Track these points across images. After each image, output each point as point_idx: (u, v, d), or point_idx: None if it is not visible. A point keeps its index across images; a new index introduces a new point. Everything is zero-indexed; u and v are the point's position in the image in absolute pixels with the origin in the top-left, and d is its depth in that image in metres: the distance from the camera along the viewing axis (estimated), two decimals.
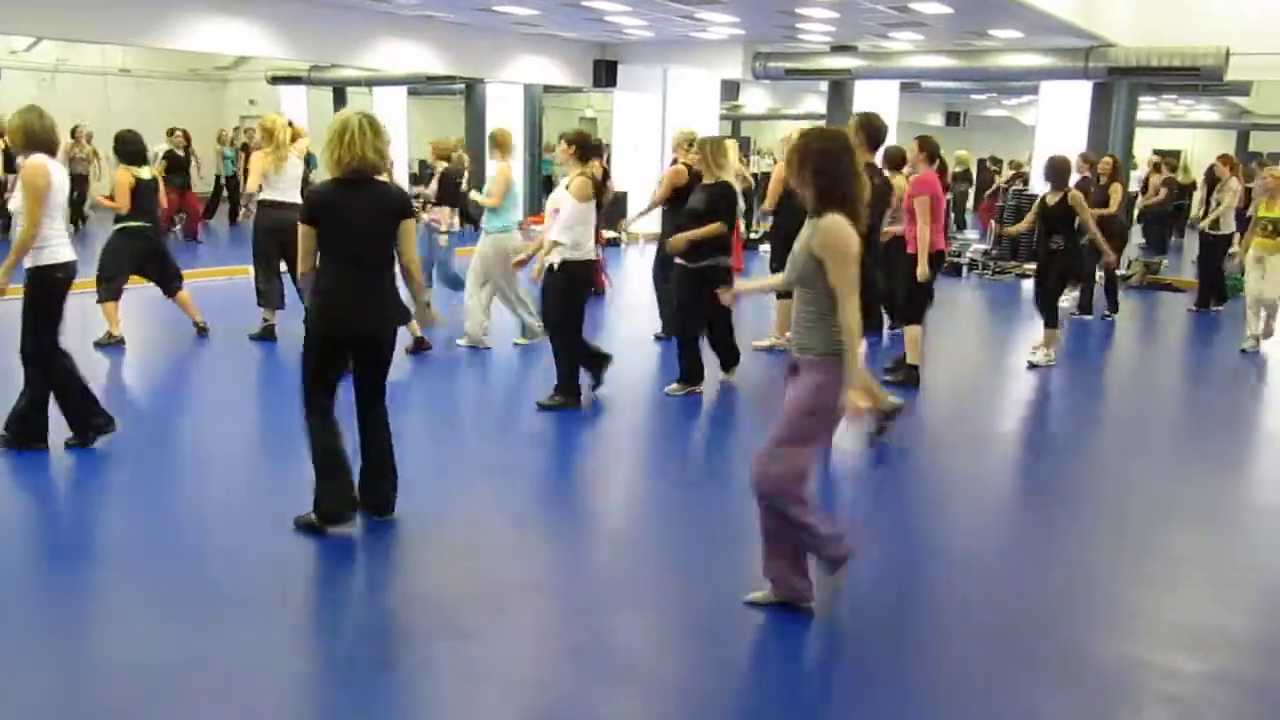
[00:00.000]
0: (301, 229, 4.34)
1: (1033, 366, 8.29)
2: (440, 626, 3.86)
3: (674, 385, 7.11)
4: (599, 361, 6.87)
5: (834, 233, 3.58)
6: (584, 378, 6.75)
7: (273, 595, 4.04)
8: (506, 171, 8.09)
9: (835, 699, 3.56)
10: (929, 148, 7.64)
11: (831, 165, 3.63)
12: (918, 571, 4.64)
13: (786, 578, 3.90)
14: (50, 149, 5.32)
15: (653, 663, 3.70)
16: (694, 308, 6.93)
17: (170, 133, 15.18)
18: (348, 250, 4.36)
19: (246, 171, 17.05)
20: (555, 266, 6.46)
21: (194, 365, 8.04)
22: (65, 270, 5.31)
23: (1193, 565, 4.83)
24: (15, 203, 5.28)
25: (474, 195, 8.72)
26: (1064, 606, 4.25)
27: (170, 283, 8.28)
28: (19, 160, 5.45)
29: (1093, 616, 4.18)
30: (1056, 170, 8.18)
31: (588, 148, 6.66)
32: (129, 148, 7.90)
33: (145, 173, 7.93)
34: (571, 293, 6.58)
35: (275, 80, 20.37)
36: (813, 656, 3.77)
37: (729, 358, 7.36)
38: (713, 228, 6.66)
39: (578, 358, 6.68)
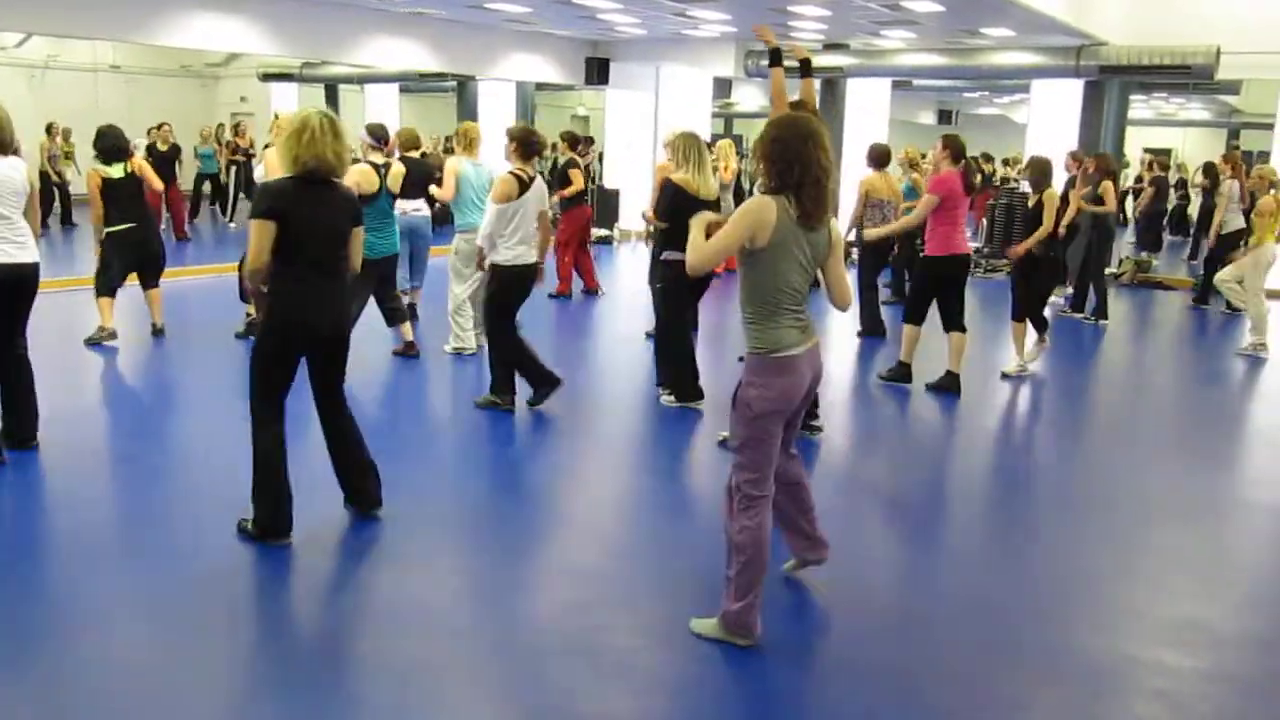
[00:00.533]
0: (259, 224, 4.13)
1: (1005, 376, 8.04)
2: (430, 625, 3.86)
3: (667, 396, 7.01)
4: (541, 379, 6.58)
5: (741, 208, 3.55)
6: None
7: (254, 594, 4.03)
8: (454, 165, 7.98)
9: (826, 693, 3.57)
10: (953, 147, 7.34)
11: (782, 152, 3.52)
12: (907, 569, 4.66)
13: (796, 544, 4.13)
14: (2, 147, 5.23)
15: (645, 659, 3.70)
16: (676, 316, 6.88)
17: (157, 128, 15.12)
18: (312, 252, 4.24)
19: (233, 165, 17.06)
20: (488, 268, 6.39)
21: (177, 363, 8.00)
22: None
23: (1183, 561, 4.85)
24: None
25: (432, 189, 8.70)
26: (1054, 603, 4.26)
27: (151, 277, 8.20)
28: None
29: (1083, 613, 4.19)
30: (1038, 170, 7.95)
31: (530, 145, 6.39)
32: (105, 144, 7.72)
33: (116, 171, 7.68)
34: (499, 296, 6.39)
35: (266, 77, 20.32)
36: (801, 654, 3.77)
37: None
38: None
39: (509, 361, 6.49)
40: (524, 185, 6.28)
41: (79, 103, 18.47)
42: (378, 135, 7.69)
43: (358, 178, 6.98)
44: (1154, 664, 3.77)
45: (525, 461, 6.04)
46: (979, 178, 7.99)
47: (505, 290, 6.37)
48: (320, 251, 4.27)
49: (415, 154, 9.31)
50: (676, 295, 6.74)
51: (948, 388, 7.46)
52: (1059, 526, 5.21)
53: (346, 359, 4.56)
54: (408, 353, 7.91)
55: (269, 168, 8.06)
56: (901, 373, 7.62)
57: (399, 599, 4.07)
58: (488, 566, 4.45)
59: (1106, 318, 10.84)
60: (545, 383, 6.56)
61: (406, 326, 7.93)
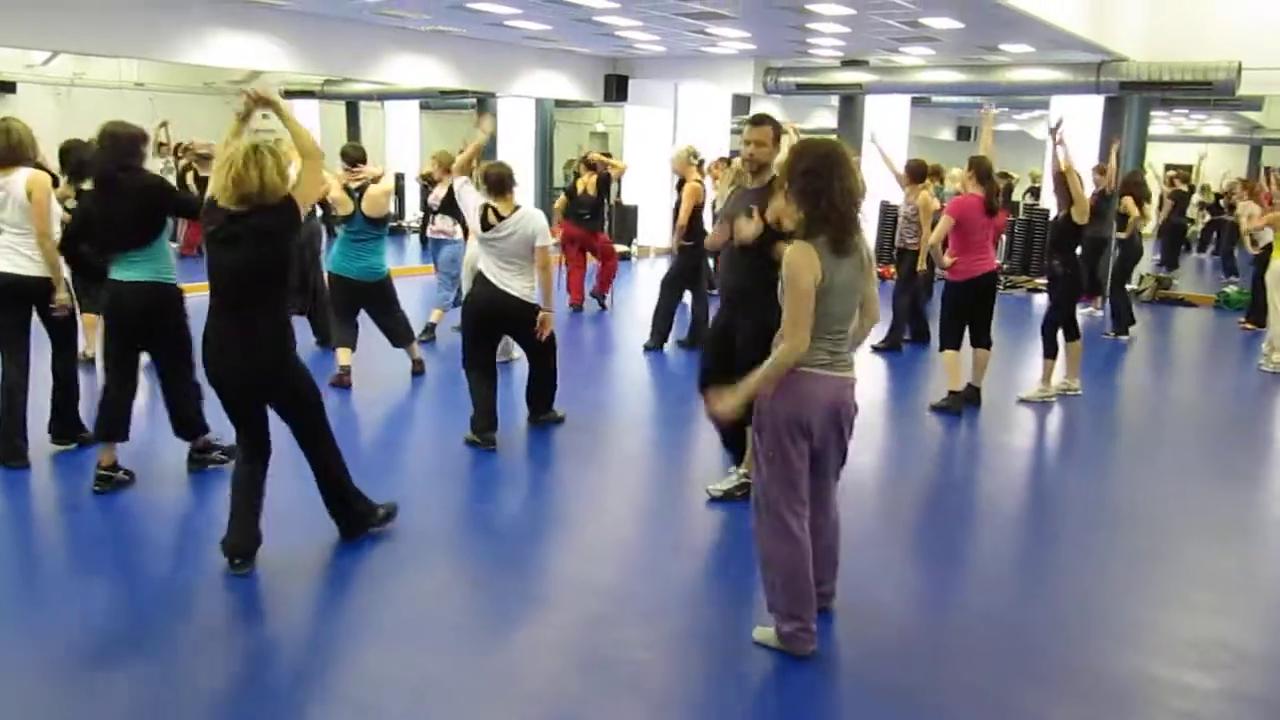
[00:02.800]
0: None
1: (1022, 401, 7.83)
2: (443, 638, 3.86)
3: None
4: (538, 409, 6.57)
5: (787, 264, 3.51)
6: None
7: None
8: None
9: (844, 710, 3.55)
10: (978, 169, 7.30)
11: (812, 182, 3.51)
12: (927, 586, 4.63)
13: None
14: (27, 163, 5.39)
15: (659, 674, 3.69)
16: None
17: (178, 150, 15.23)
18: (219, 290, 4.24)
19: None
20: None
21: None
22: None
23: (1207, 579, 4.80)
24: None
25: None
26: (1076, 621, 4.23)
27: None
28: None
29: (1105, 631, 4.16)
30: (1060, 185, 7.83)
31: (501, 182, 6.07)
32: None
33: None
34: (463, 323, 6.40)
35: (288, 95, 20.44)
36: (820, 670, 3.75)
37: None
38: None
39: (472, 390, 6.25)
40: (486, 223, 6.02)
41: (104, 119, 18.63)
42: (348, 157, 7.76)
43: (336, 194, 7.18)
44: (1177, 684, 3.73)
45: (542, 476, 6.05)
46: (999, 197, 7.88)
47: (467, 319, 6.31)
48: (224, 289, 4.18)
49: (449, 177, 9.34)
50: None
51: (969, 400, 7.42)
52: (1081, 543, 5.17)
53: (297, 399, 4.40)
54: (416, 370, 7.82)
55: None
56: (955, 402, 7.40)
57: (411, 613, 4.07)
58: (501, 581, 4.45)
59: (1127, 332, 10.78)
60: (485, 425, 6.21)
61: (413, 345, 7.83)
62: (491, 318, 6.19)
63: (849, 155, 3.60)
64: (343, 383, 7.32)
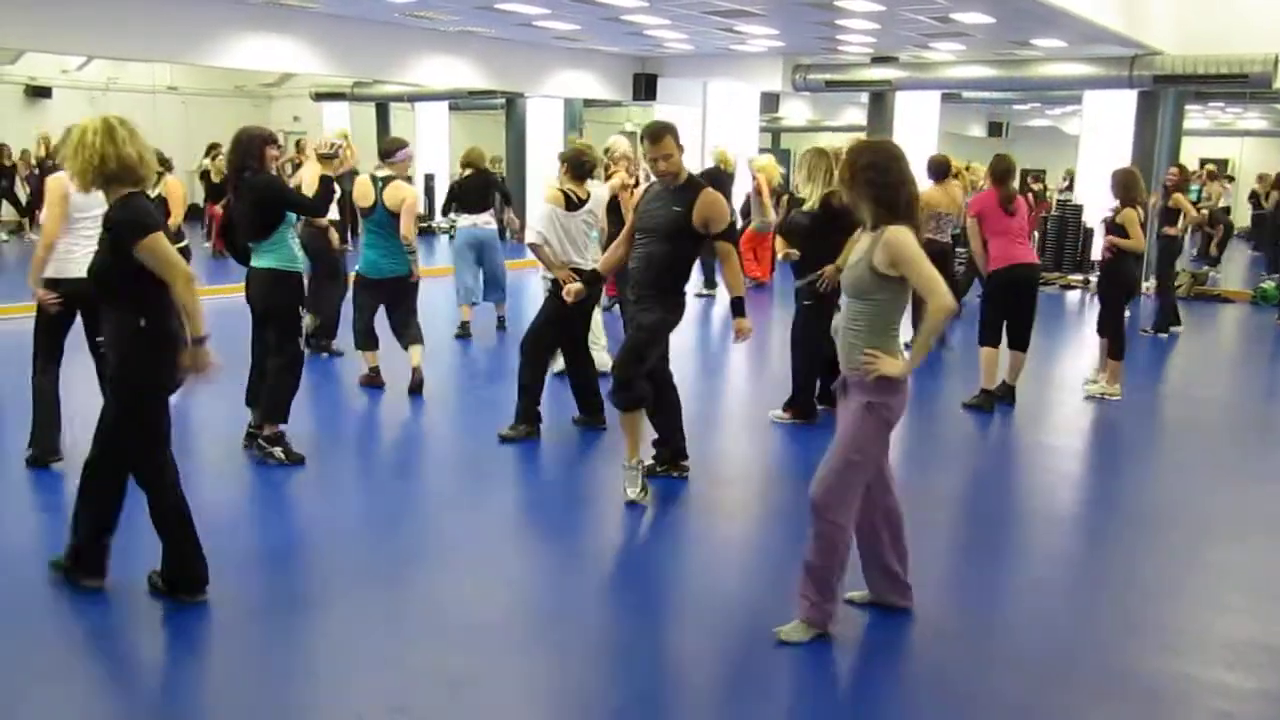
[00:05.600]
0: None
1: (1089, 398, 7.79)
2: (478, 636, 3.88)
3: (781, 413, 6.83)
4: (582, 404, 6.55)
5: (903, 245, 3.56)
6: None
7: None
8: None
9: (876, 710, 3.53)
10: (991, 169, 7.39)
11: (882, 176, 3.60)
12: (961, 587, 4.59)
13: (875, 579, 4.03)
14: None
15: (686, 680, 3.69)
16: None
17: (209, 151, 15.38)
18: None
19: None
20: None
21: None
22: (55, 286, 5.30)
23: (1245, 580, 4.73)
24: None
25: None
26: (1111, 621, 4.18)
27: None
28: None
29: (1142, 632, 4.11)
30: (1116, 184, 7.72)
31: (581, 166, 6.47)
32: None
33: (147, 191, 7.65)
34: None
35: (319, 97, 20.62)
36: (853, 674, 3.73)
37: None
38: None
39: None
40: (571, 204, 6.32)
41: (138, 123, 18.83)
42: (383, 150, 7.40)
43: (356, 189, 7.11)
44: (1214, 684, 3.68)
45: (575, 474, 6.05)
46: (1030, 195, 7.81)
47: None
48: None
49: (474, 170, 9.44)
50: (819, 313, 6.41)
51: (1002, 398, 7.36)
52: (1117, 543, 5.11)
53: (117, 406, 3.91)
54: (414, 384, 7.24)
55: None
56: (987, 400, 7.33)
57: (447, 610, 4.08)
58: (534, 578, 4.46)
59: (1167, 330, 10.66)
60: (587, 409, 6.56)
61: (418, 350, 7.36)
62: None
63: (902, 154, 3.72)
64: (376, 382, 7.31)
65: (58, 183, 5.25)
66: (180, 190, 7.40)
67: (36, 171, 16.28)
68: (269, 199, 5.62)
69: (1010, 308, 7.32)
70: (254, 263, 5.67)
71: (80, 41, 11.73)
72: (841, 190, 3.82)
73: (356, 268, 7.33)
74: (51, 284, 5.24)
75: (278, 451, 5.67)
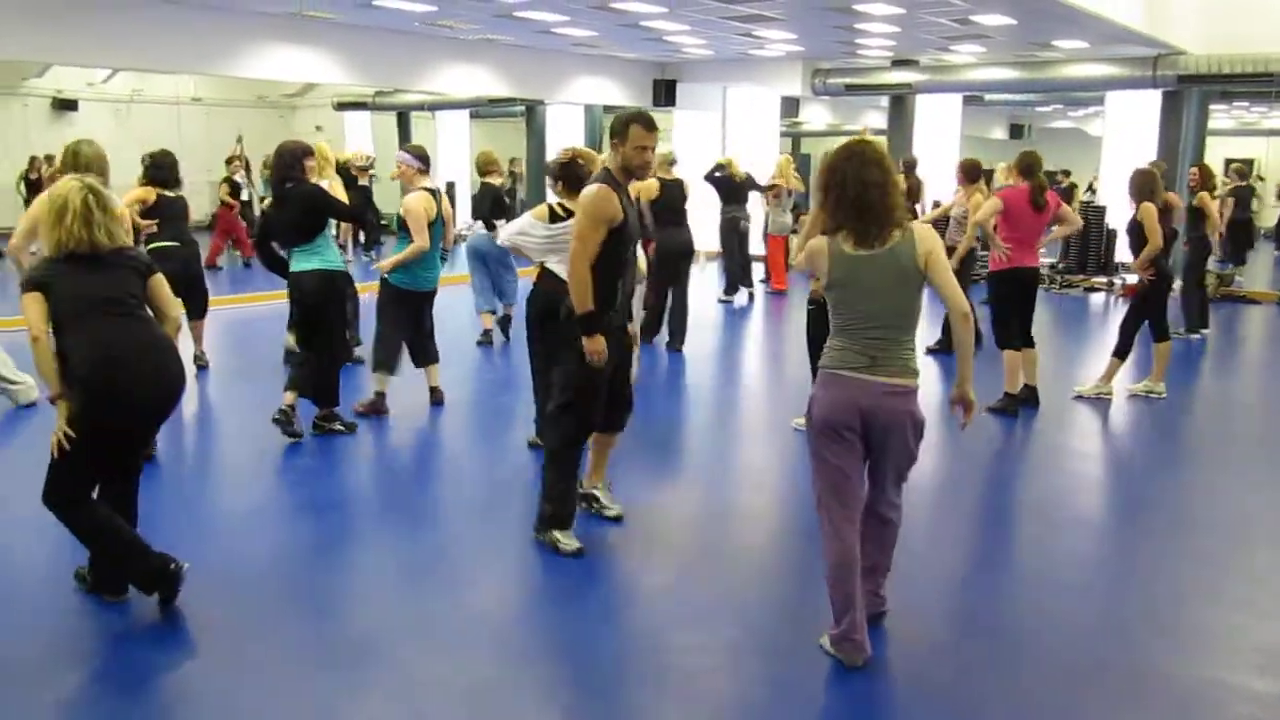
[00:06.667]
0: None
1: (1078, 397, 7.77)
2: (497, 643, 3.88)
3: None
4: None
5: (932, 237, 3.54)
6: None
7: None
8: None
9: (900, 715, 3.51)
10: (1020, 164, 7.29)
11: (825, 183, 3.57)
12: (988, 591, 4.56)
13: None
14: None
15: (712, 679, 3.68)
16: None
17: (228, 160, 15.46)
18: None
19: None
20: None
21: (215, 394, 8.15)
22: None
23: (1275, 585, 4.68)
24: None
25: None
26: (1139, 625, 4.14)
27: (193, 305, 7.80)
28: None
29: (1171, 637, 4.07)
30: (1133, 185, 7.63)
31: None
32: (156, 174, 7.62)
33: (168, 192, 7.61)
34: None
35: (341, 106, 20.75)
36: (877, 676, 3.71)
37: None
38: None
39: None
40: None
41: (163, 134, 19.00)
42: (422, 156, 6.88)
43: (424, 204, 6.62)
44: (1243, 689, 3.64)
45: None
46: (1055, 190, 7.72)
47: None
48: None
49: (492, 179, 9.51)
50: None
51: (1026, 400, 7.32)
52: (1145, 546, 5.07)
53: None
54: (434, 398, 7.19)
55: None
56: (1011, 404, 7.28)
57: (466, 618, 4.09)
58: (554, 585, 4.46)
59: (1197, 331, 10.57)
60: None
61: (436, 369, 7.24)
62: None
63: (871, 151, 3.57)
64: (379, 410, 6.84)
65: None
66: (143, 192, 7.60)
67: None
68: (316, 207, 6.25)
69: (1016, 307, 7.31)
70: (300, 266, 6.24)
71: (106, 54, 11.88)
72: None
73: (405, 282, 6.78)
74: None
75: (337, 425, 6.40)
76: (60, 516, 3.90)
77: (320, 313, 6.30)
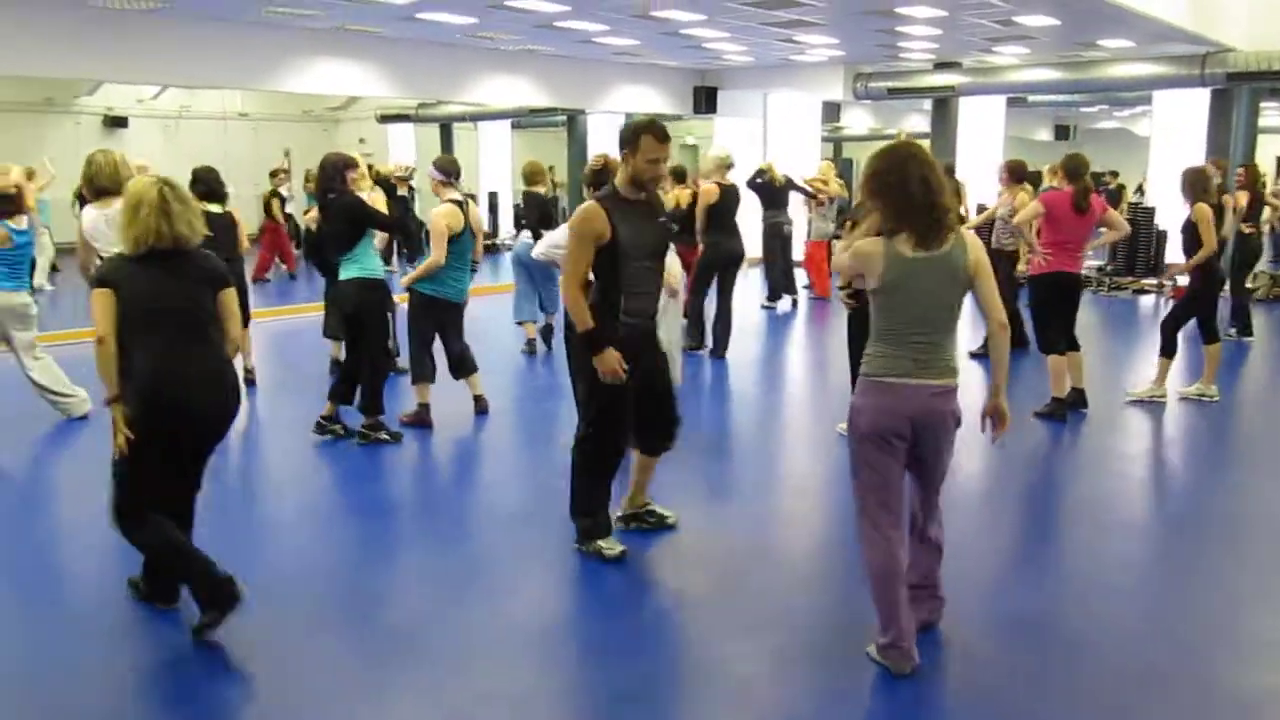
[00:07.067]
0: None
1: (1132, 401, 7.61)
2: (538, 651, 3.89)
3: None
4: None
5: (979, 244, 3.52)
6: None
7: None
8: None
9: None
10: (1065, 167, 7.15)
11: (885, 177, 3.51)
12: (1046, 600, 4.49)
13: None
14: (112, 193, 5.62)
15: (759, 688, 3.66)
16: None
17: (273, 174, 15.62)
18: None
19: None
20: None
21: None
22: None
23: None
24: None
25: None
26: (1193, 633, 4.07)
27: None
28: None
29: (1224, 643, 4.00)
30: (1184, 183, 7.54)
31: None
32: (194, 188, 7.27)
33: (214, 207, 7.44)
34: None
35: (384, 119, 20.97)
36: (924, 683, 3.67)
37: None
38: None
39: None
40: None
41: (210, 150, 19.31)
42: (446, 169, 6.82)
43: (446, 218, 6.60)
44: None
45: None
46: (1103, 192, 7.60)
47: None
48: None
49: (539, 188, 9.58)
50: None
51: (1075, 404, 7.23)
52: (1199, 552, 4.98)
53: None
54: (478, 407, 7.22)
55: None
56: (1059, 408, 7.17)
57: (509, 626, 4.10)
58: (598, 592, 4.46)
59: (1250, 334, 10.37)
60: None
61: (475, 378, 7.22)
62: None
63: (928, 153, 3.58)
64: (424, 421, 6.86)
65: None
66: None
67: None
68: (357, 218, 6.39)
69: (1057, 311, 7.21)
70: (342, 274, 6.44)
71: (155, 71, 12.10)
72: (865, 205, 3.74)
73: (441, 293, 6.78)
74: None
75: (382, 435, 6.46)
76: (128, 536, 3.89)
77: (358, 321, 6.42)
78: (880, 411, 3.53)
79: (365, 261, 6.45)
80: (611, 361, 4.33)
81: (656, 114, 17.39)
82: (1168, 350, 7.60)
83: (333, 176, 6.39)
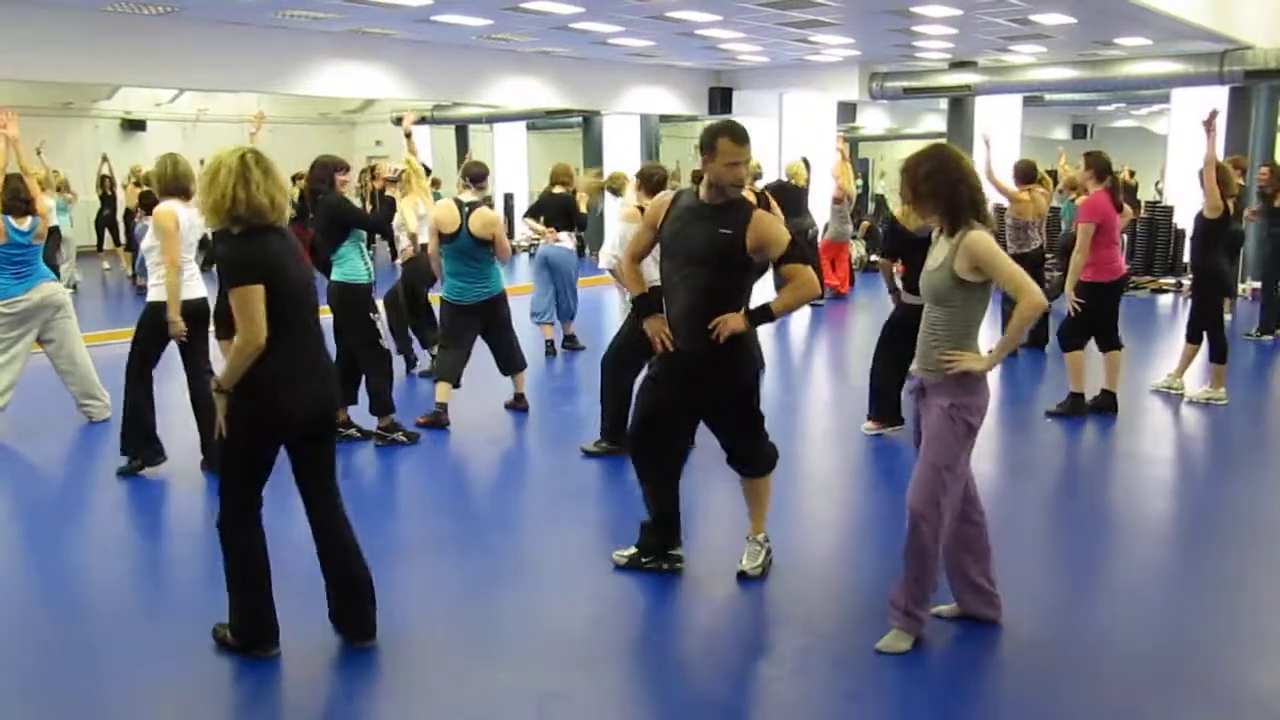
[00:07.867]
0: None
1: (1190, 403, 7.54)
2: (572, 647, 3.90)
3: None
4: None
5: (984, 247, 3.54)
6: None
7: None
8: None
9: None
10: (1096, 165, 6.93)
11: (942, 177, 3.60)
12: (1065, 600, 4.48)
13: (962, 594, 3.98)
14: (183, 194, 5.67)
15: (784, 687, 3.66)
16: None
17: (295, 178, 15.66)
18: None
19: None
20: None
21: None
22: (185, 307, 5.66)
23: None
24: (148, 241, 5.81)
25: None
26: (1217, 635, 4.04)
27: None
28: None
29: (1257, 646, 3.98)
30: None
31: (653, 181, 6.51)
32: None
33: None
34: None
35: (399, 122, 21.05)
36: (953, 684, 3.66)
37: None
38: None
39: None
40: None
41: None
42: (466, 172, 7.02)
43: (439, 213, 6.76)
44: None
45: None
46: (1121, 193, 7.52)
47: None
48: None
49: (561, 189, 9.59)
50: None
51: (1105, 407, 7.17)
52: (1222, 555, 4.94)
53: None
54: (519, 405, 7.32)
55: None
56: (1076, 406, 7.16)
57: (534, 626, 4.11)
58: (620, 593, 4.46)
59: (1272, 334, 10.27)
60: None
61: (522, 377, 7.30)
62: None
63: (960, 152, 3.72)
64: (439, 422, 6.83)
65: (170, 215, 5.59)
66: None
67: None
68: (336, 216, 6.41)
69: (1103, 316, 7.14)
70: (332, 276, 6.45)
71: (173, 75, 12.17)
72: (909, 208, 3.81)
73: (441, 294, 6.99)
74: (163, 307, 5.64)
75: (399, 436, 6.47)
76: (225, 536, 3.67)
77: (338, 323, 6.49)
78: (986, 392, 3.71)
79: (349, 263, 6.43)
80: (657, 324, 4.29)
81: (672, 115, 17.47)
82: (1219, 355, 7.53)
83: (322, 177, 6.43)
